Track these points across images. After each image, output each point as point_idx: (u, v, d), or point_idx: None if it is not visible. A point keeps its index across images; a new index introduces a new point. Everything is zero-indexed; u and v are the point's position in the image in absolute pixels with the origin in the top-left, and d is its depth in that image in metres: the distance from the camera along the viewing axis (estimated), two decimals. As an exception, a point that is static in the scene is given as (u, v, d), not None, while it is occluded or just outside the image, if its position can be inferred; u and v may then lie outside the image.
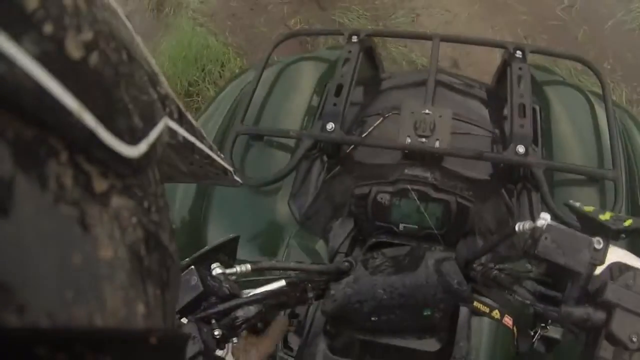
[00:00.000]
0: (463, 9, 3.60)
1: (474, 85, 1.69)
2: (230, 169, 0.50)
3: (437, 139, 1.26)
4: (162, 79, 0.32)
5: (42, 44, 0.19)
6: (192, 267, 0.78)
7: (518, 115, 1.33)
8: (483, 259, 0.92)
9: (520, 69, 1.44)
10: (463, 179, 1.33)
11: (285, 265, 0.95)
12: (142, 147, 0.25)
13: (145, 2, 4.07)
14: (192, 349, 0.69)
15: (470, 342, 0.97)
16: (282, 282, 0.85)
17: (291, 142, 1.51)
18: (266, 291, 0.84)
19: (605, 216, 0.64)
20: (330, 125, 1.36)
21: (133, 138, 0.25)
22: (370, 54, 1.75)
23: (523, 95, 1.37)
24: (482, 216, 1.30)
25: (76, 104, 0.20)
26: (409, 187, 1.24)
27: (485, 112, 1.58)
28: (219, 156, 0.44)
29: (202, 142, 0.40)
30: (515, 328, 0.88)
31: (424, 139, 1.27)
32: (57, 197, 0.20)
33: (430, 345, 0.99)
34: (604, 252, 0.62)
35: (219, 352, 0.77)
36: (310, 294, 0.93)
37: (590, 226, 0.66)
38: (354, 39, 1.57)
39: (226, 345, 0.79)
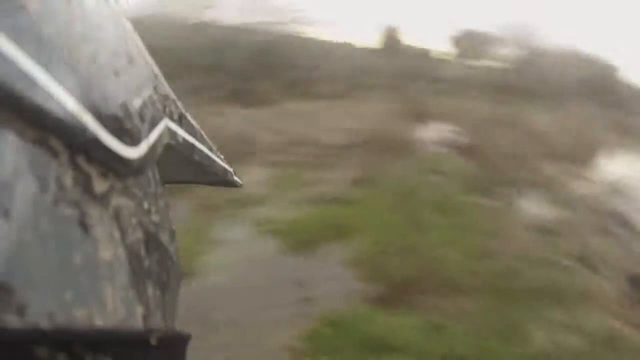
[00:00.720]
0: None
1: None
2: (230, 169, 0.50)
3: None
4: (162, 80, 0.32)
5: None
6: None
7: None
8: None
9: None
10: None
11: None
12: (142, 148, 0.26)
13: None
14: None
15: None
16: None
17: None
18: None
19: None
20: None
21: (133, 139, 0.25)
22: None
23: None
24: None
25: (76, 106, 0.20)
26: None
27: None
28: (218, 157, 0.44)
29: (202, 143, 0.40)
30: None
31: None
32: (57, 198, 0.20)
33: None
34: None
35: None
36: None
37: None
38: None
39: None
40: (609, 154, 11.41)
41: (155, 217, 0.28)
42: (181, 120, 0.35)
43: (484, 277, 4.10)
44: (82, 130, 0.21)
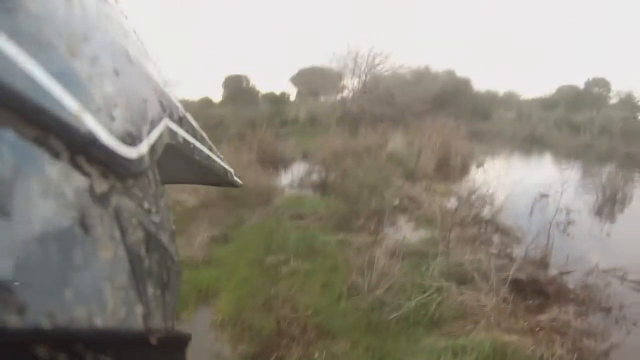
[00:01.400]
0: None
1: None
2: (231, 170, 0.49)
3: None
4: (163, 80, 0.31)
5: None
6: None
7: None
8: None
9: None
10: None
11: None
12: (142, 149, 0.26)
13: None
14: None
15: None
16: None
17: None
18: None
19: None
20: None
21: (133, 139, 0.25)
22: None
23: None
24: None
25: (77, 106, 0.21)
26: None
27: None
28: (219, 157, 0.44)
29: (202, 143, 0.40)
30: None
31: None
32: (57, 198, 0.20)
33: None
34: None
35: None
36: None
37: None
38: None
39: None
40: (468, 162, 11.98)
41: (155, 217, 0.28)
42: (181, 121, 0.35)
43: (354, 315, 3.95)
44: (83, 130, 0.21)
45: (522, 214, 7.40)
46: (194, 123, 0.39)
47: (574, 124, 21.35)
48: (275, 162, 10.49)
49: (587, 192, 9.40)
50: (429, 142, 11.07)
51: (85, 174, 0.22)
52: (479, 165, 12.48)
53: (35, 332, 0.17)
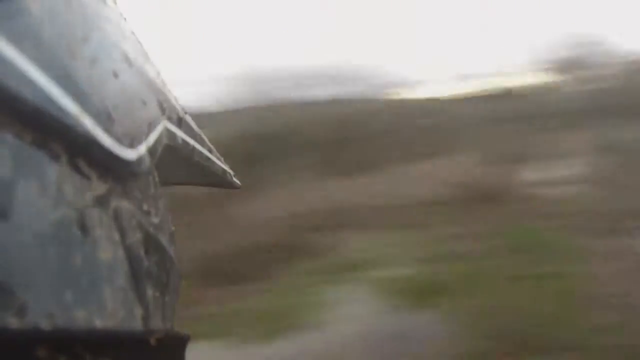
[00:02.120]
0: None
1: None
2: (230, 171, 0.49)
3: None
4: (162, 80, 0.33)
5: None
6: None
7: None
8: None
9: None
10: None
11: None
12: (141, 150, 0.26)
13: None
14: None
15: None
16: None
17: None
18: None
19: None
20: None
21: (132, 141, 0.25)
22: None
23: None
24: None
25: (76, 108, 0.21)
26: None
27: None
28: (218, 159, 0.45)
29: (201, 144, 0.40)
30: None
31: None
32: (57, 200, 0.20)
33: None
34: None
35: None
36: None
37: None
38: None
39: None
40: None
41: (154, 219, 0.28)
42: (180, 122, 0.35)
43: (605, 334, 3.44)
44: (82, 132, 0.21)
45: None
46: (194, 124, 0.38)
47: None
48: (525, 159, 9.44)
49: None
50: None
51: (84, 176, 0.22)
52: None
53: (35, 333, 0.18)
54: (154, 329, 0.26)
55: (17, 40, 0.18)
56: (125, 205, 0.25)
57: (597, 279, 4.26)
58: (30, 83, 0.18)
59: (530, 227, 5.58)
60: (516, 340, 3.51)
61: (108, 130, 0.23)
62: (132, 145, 0.25)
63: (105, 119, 0.23)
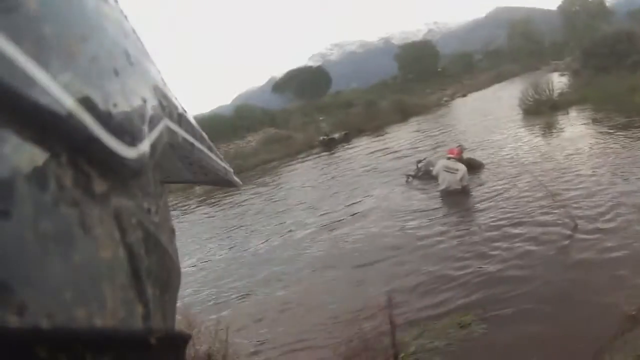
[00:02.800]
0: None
1: None
2: (230, 169, 0.49)
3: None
4: (162, 79, 0.33)
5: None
6: None
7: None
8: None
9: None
10: None
11: None
12: (141, 148, 0.26)
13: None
14: None
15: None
16: None
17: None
18: None
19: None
20: None
21: (133, 139, 0.25)
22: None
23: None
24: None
25: (76, 106, 0.21)
26: None
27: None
28: (218, 157, 0.44)
29: (201, 142, 0.40)
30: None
31: None
32: (57, 198, 0.20)
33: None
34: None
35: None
36: None
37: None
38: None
39: None
40: None
41: (155, 217, 0.28)
42: (180, 120, 0.35)
43: None
44: (82, 130, 0.21)
45: None
46: (194, 122, 0.37)
47: None
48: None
49: None
50: None
51: (84, 174, 0.22)
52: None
53: (35, 332, 0.18)
54: (155, 328, 0.26)
55: (17, 37, 0.18)
56: (125, 203, 0.25)
57: None
58: (31, 81, 0.18)
59: None
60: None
61: (108, 128, 0.22)
62: (132, 143, 0.25)
63: (105, 117, 0.22)
